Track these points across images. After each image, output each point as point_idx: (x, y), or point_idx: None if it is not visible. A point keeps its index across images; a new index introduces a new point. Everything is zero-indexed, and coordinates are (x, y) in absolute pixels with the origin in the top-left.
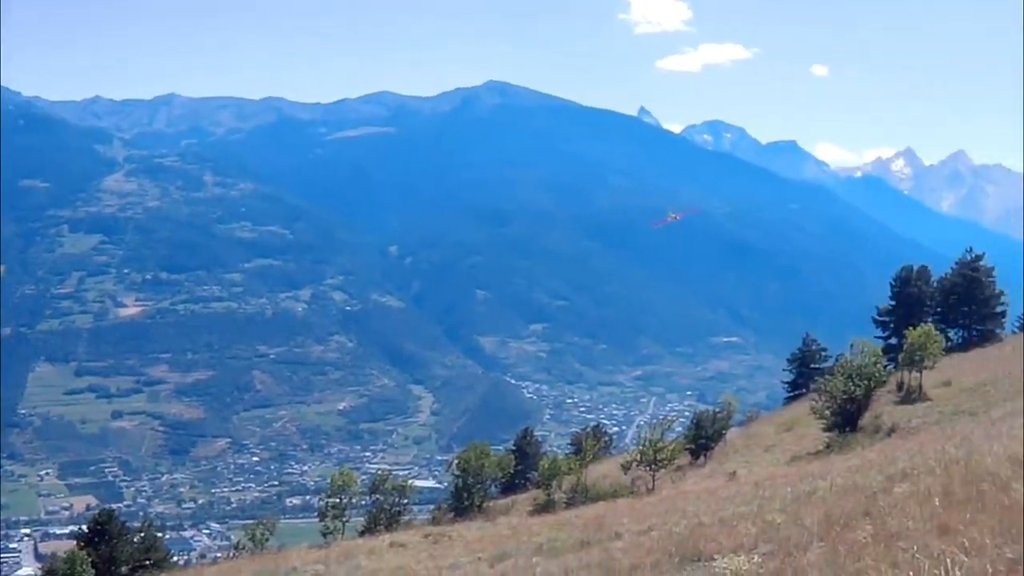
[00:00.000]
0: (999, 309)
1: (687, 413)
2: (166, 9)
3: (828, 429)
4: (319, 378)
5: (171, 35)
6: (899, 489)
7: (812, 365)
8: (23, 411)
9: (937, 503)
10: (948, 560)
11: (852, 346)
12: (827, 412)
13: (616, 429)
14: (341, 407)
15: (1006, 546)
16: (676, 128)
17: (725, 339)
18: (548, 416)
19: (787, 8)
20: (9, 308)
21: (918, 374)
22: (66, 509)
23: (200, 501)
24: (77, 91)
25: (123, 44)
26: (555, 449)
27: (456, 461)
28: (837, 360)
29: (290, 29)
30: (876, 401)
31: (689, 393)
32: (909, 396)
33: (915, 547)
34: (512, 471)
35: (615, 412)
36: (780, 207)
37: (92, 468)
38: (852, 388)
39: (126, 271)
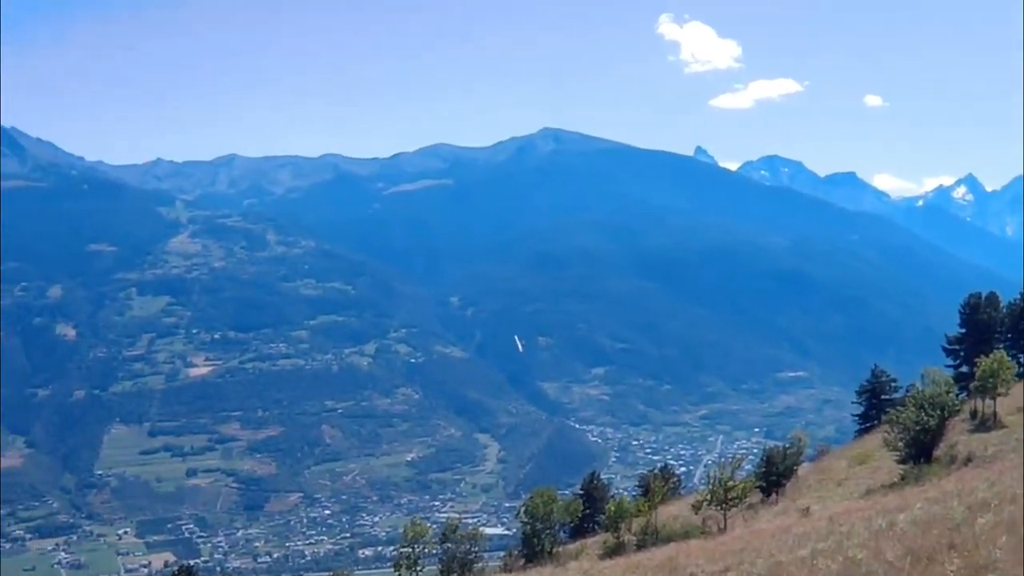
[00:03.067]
0: None
1: (756, 450)
2: (223, 72)
3: (902, 461)
4: (387, 430)
5: (229, 97)
6: (982, 520)
7: (882, 396)
8: (100, 472)
9: None
10: None
11: (923, 376)
12: (900, 443)
13: (684, 469)
14: (409, 458)
15: None
16: (733, 165)
17: (791, 374)
18: (614, 459)
19: (835, 40)
20: (82, 371)
21: (991, 401)
22: (144, 567)
23: (275, 555)
24: (139, 154)
25: (182, 107)
26: (622, 492)
27: (524, 507)
28: (908, 390)
29: (345, 86)
30: (950, 430)
31: (757, 430)
32: (983, 424)
33: None
34: (580, 515)
35: (682, 452)
36: (841, 238)
37: (169, 525)
38: (925, 418)
39: (195, 331)
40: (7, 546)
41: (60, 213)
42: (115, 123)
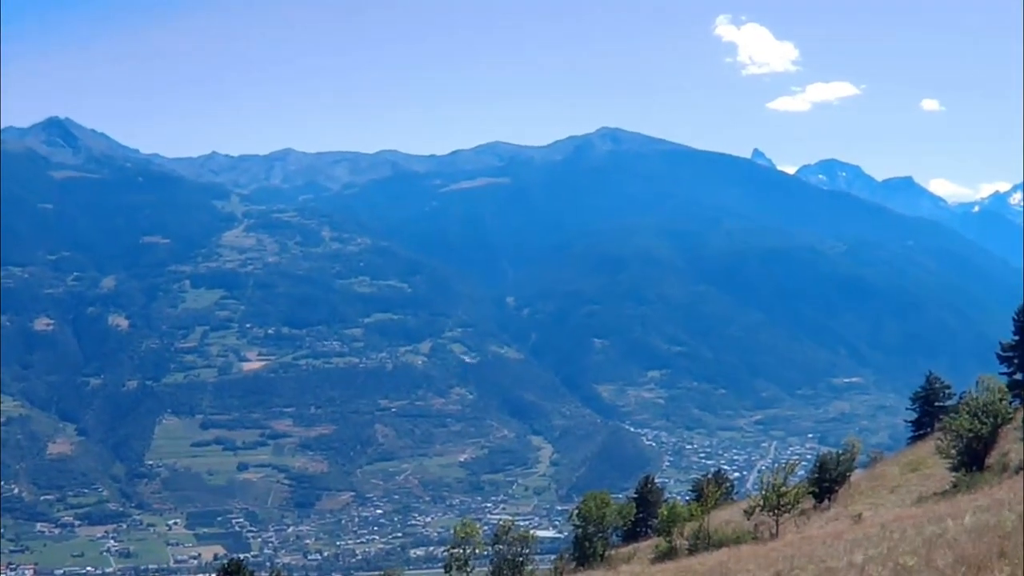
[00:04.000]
0: None
1: (809, 456)
2: (281, 66)
3: (954, 468)
4: (440, 430)
5: (286, 91)
6: None
7: (936, 403)
8: (150, 462)
9: None
10: None
11: (977, 383)
12: (953, 451)
13: (737, 474)
14: (462, 459)
15: None
16: (790, 169)
17: (846, 379)
18: (668, 463)
19: (891, 44)
20: (134, 361)
21: None
22: (194, 558)
23: (326, 553)
24: (194, 148)
25: (239, 101)
26: (675, 496)
27: (577, 510)
28: (961, 398)
29: (404, 82)
30: (1003, 438)
31: (810, 436)
32: None
33: None
34: (633, 519)
35: (736, 457)
36: (897, 244)
37: (219, 519)
38: (978, 426)
39: (248, 326)
40: (56, 531)
41: (115, 205)
42: (171, 116)
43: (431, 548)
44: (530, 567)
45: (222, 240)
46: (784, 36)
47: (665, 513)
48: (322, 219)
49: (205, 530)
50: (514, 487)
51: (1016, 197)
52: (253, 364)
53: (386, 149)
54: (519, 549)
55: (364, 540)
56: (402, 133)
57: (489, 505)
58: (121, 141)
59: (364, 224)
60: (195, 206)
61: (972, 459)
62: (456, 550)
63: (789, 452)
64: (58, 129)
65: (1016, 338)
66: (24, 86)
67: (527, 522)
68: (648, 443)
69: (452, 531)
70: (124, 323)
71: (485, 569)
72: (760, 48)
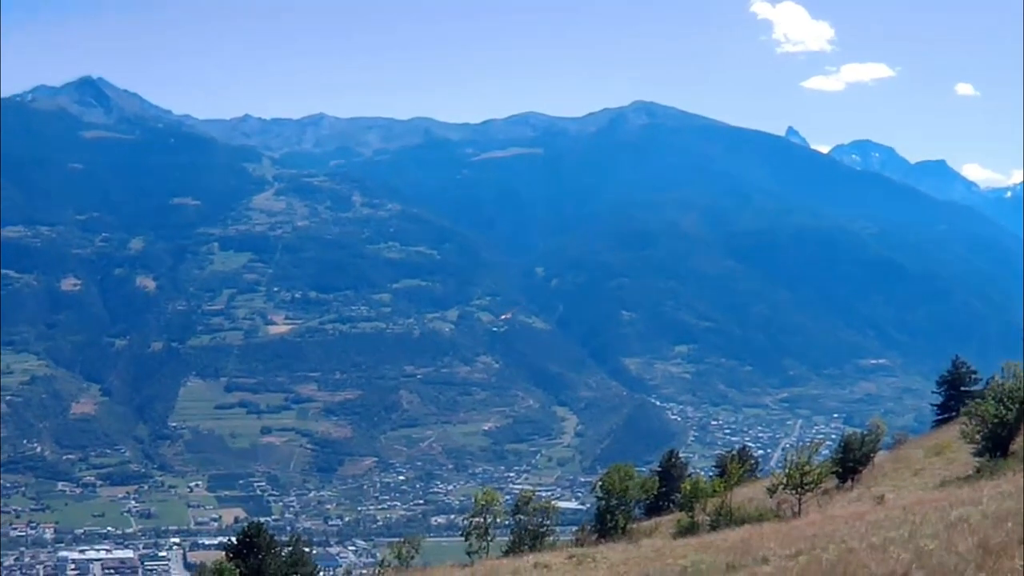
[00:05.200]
0: None
1: (834, 436)
2: (315, 30)
3: (978, 454)
4: (465, 398)
5: (319, 56)
6: None
7: (962, 388)
8: (174, 424)
9: None
10: None
11: (1004, 369)
12: (977, 436)
13: (761, 452)
14: (486, 428)
15: None
16: (824, 148)
17: (872, 361)
18: (692, 438)
19: (928, 27)
20: (160, 323)
21: None
22: (215, 520)
23: (347, 518)
24: (226, 110)
25: (273, 64)
26: (699, 471)
27: (600, 482)
28: (988, 383)
29: (439, 49)
30: None
31: (836, 416)
32: None
33: None
34: (656, 493)
35: (760, 435)
36: (928, 227)
37: (241, 482)
38: (1003, 412)
39: (275, 289)
40: (77, 491)
41: (145, 166)
42: (204, 78)
43: (452, 516)
44: (551, 538)
45: (252, 203)
46: (820, 15)
47: (688, 488)
48: (353, 184)
49: (226, 493)
50: (537, 457)
51: None
52: (280, 328)
53: (419, 116)
54: (540, 519)
55: (385, 506)
56: (436, 101)
57: (512, 475)
58: (153, 102)
59: (395, 190)
60: (226, 169)
61: (996, 445)
62: (477, 518)
63: (814, 431)
64: (90, 89)
65: None
66: (57, 45)
67: (549, 493)
68: (673, 417)
69: (473, 499)
70: (151, 284)
71: (505, 538)
72: (795, 27)
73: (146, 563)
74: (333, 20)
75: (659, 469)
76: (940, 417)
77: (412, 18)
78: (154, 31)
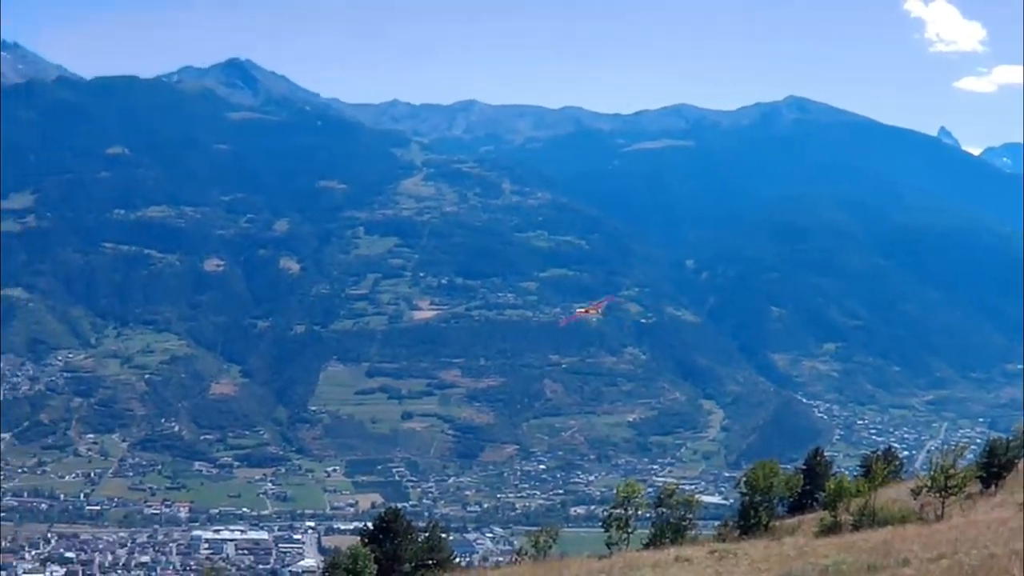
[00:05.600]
0: None
1: (979, 440)
2: (465, 16)
3: None
4: (610, 389)
5: (471, 42)
6: None
7: None
8: (313, 408)
9: None
10: None
11: None
12: None
13: (906, 453)
14: (630, 419)
15: None
16: (975, 150)
17: (1020, 366)
18: (838, 437)
19: None
20: (303, 306)
21: None
22: (351, 506)
23: (485, 505)
24: (375, 94)
25: (422, 49)
26: (844, 470)
27: (744, 478)
28: None
29: (590, 39)
30: None
31: (981, 420)
32: None
33: None
34: (800, 491)
35: (906, 436)
36: None
37: (379, 467)
38: None
39: (421, 275)
40: (214, 471)
41: (291, 148)
42: (353, 62)
43: (592, 507)
44: (692, 532)
45: (399, 188)
46: (972, 16)
47: (832, 487)
48: (503, 171)
49: (364, 478)
50: (682, 451)
51: None
52: (424, 313)
53: (570, 105)
54: (682, 513)
55: (525, 494)
56: (587, 90)
57: (655, 467)
58: (301, 84)
59: (545, 179)
60: (373, 153)
61: None
62: (617, 510)
63: (959, 435)
64: (237, 70)
65: None
66: (204, 27)
67: (693, 486)
68: (819, 415)
69: (615, 490)
70: (295, 267)
71: (646, 531)
72: (948, 26)
73: (280, 545)
74: (484, 6)
75: (804, 467)
76: None
77: (564, 6)
78: (301, 15)
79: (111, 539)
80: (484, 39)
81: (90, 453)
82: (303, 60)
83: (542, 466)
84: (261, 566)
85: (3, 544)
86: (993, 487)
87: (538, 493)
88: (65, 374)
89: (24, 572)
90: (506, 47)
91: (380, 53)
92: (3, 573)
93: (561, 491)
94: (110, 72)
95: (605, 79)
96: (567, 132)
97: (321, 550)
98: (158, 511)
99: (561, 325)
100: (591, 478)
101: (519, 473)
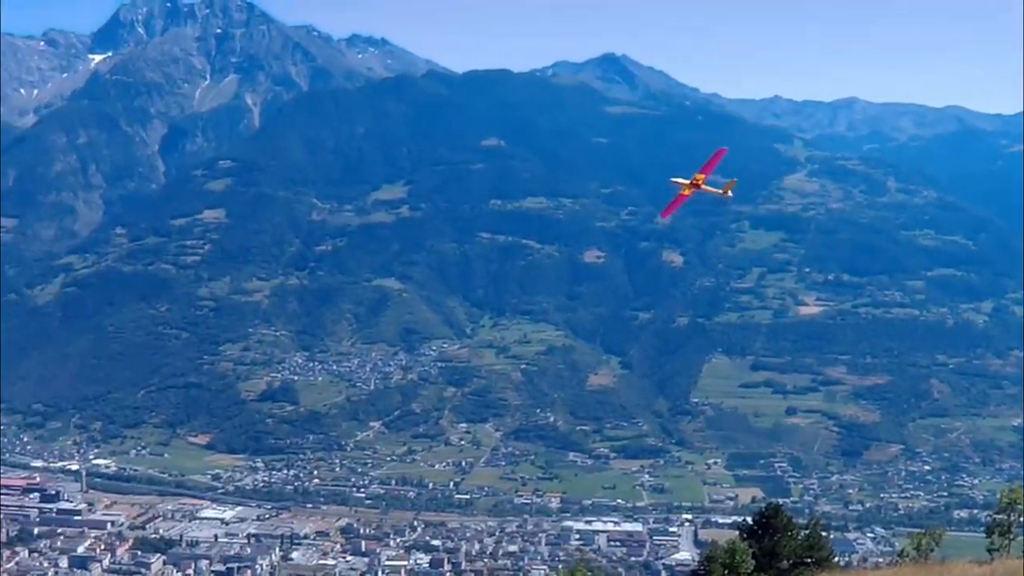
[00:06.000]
0: None
1: None
2: (847, 14)
3: None
4: (995, 392)
5: (852, 40)
6: None
7: None
8: (695, 400)
9: None
10: None
11: None
12: None
13: None
14: (1016, 423)
15: None
16: None
17: None
18: None
19: None
20: (686, 299)
21: None
22: (730, 499)
23: (867, 504)
24: (756, 91)
25: (804, 46)
26: None
27: None
28: None
29: (972, 37)
30: None
31: None
32: None
33: None
34: None
35: None
36: None
37: (761, 462)
38: None
39: (807, 270)
40: (588, 462)
41: (671, 141)
42: (731, 58)
43: (975, 511)
44: None
45: (783, 183)
46: None
47: None
48: (887, 169)
49: (745, 472)
50: None
51: None
52: (810, 309)
53: (952, 104)
54: None
55: (908, 495)
56: (968, 90)
57: None
58: (681, 80)
59: (930, 177)
60: (756, 148)
61: None
62: (1000, 515)
63: None
64: (614, 65)
65: None
66: (579, 22)
67: None
68: None
69: (998, 495)
70: (678, 260)
71: None
72: None
73: (654, 537)
74: (862, 4)
75: None
76: None
77: (945, 6)
78: (678, 13)
79: (479, 528)
80: (864, 36)
81: (462, 442)
82: (679, 57)
83: (927, 467)
84: (634, 558)
85: (369, 531)
86: None
87: (922, 494)
88: (439, 364)
89: (388, 559)
90: (888, 44)
91: (759, 50)
92: (366, 559)
93: (945, 493)
94: (478, 67)
95: (986, 77)
96: (949, 131)
97: (697, 543)
98: (528, 501)
99: (663, 218)
100: (975, 481)
101: (903, 473)
